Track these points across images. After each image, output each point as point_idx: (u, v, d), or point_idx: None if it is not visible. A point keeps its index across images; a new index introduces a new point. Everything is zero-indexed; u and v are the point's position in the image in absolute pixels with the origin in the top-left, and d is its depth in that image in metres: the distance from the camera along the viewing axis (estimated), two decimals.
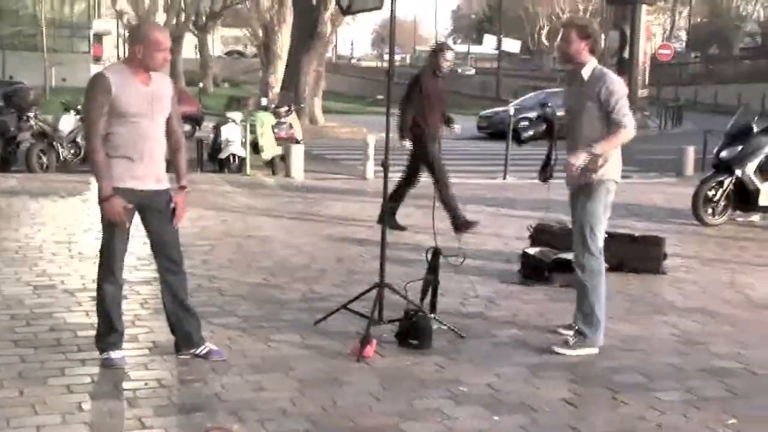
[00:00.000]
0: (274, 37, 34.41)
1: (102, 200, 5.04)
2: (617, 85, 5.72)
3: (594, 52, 5.81)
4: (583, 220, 5.84)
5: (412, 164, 10.25)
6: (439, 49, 10.33)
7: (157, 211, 5.19)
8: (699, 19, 77.10)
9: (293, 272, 7.89)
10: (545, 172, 6.16)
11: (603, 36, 5.41)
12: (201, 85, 46.47)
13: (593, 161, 5.71)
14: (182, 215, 5.29)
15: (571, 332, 5.92)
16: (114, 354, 5.21)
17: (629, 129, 5.73)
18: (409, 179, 10.26)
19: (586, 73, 5.79)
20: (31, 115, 15.15)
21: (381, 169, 6.18)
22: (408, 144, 10.03)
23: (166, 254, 5.30)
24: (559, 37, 5.90)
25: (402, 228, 9.92)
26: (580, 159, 5.67)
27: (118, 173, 5.05)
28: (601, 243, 5.84)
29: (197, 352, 5.39)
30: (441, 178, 9.92)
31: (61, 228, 9.56)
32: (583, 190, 5.85)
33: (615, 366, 5.57)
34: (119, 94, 4.96)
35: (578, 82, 5.85)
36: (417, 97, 9.90)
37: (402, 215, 10.35)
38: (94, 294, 6.74)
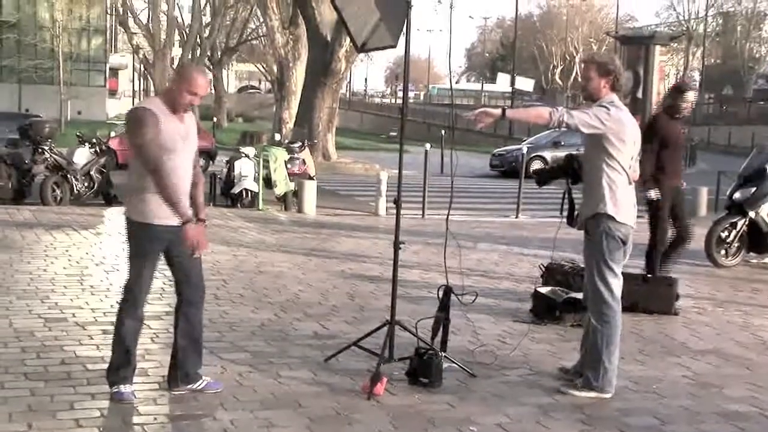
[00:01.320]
0: (288, 73, 34.57)
1: (186, 222, 5.07)
2: (603, 109, 5.52)
3: (615, 90, 5.68)
4: (589, 269, 5.78)
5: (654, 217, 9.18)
6: (679, 89, 9.08)
7: (182, 244, 5.18)
8: (713, 60, 77.35)
9: (304, 308, 7.88)
10: (573, 218, 6.08)
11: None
12: (215, 119, 46.79)
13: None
14: (204, 245, 5.25)
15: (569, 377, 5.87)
16: (124, 388, 5.19)
17: (558, 118, 5.42)
18: (664, 232, 9.25)
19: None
20: (46, 147, 15.23)
21: (393, 205, 6.18)
22: (654, 194, 8.93)
23: (194, 285, 5.34)
24: (580, 74, 5.84)
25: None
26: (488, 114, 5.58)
27: (154, 209, 5.07)
28: (615, 287, 5.70)
29: (195, 387, 5.36)
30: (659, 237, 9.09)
31: (74, 261, 9.57)
32: (587, 228, 5.78)
33: (627, 407, 5.53)
34: (164, 130, 5.02)
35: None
36: (654, 143, 8.71)
37: (410, 252, 10.32)
38: (105, 327, 6.77)
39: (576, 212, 6.04)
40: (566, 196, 6.15)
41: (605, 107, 5.57)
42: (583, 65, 5.86)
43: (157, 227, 5.07)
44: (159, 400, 5.24)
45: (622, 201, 5.69)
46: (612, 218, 5.65)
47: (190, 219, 5.06)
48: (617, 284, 5.73)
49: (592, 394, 5.69)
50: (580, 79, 5.83)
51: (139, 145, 5.01)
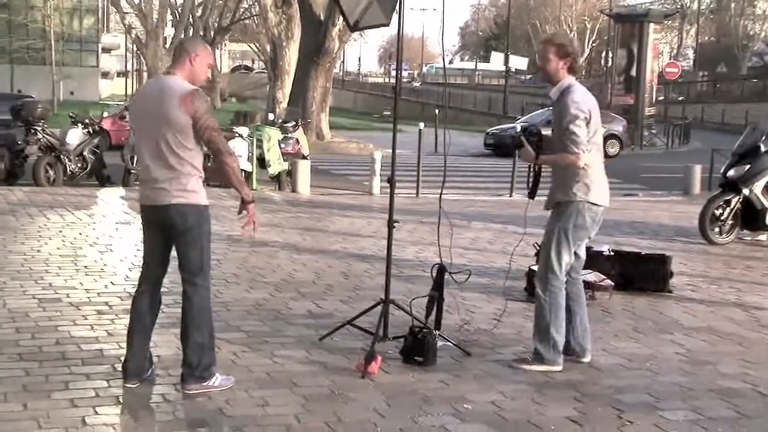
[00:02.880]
0: (281, 53, 34.45)
1: (251, 202, 5.12)
2: (571, 108, 5.54)
3: (573, 71, 5.68)
4: (547, 237, 5.79)
5: None
6: None
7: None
8: (707, 38, 77.23)
9: (299, 287, 7.89)
10: (534, 192, 6.10)
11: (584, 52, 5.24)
12: (208, 99, 46.58)
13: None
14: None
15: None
16: (219, 375, 5.20)
17: (573, 158, 5.55)
18: None
19: (554, 93, 5.71)
20: (38, 128, 15.16)
21: (387, 185, 6.17)
22: None
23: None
24: (539, 55, 5.79)
25: None
26: (527, 154, 5.76)
27: (204, 190, 5.11)
28: (565, 263, 5.74)
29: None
30: None
31: (68, 242, 9.56)
32: (555, 208, 5.80)
33: (621, 385, 5.55)
34: None
35: (552, 103, 5.81)
36: None
37: (405, 231, 10.33)
38: (100, 308, 6.79)
39: (538, 188, 6.04)
40: (531, 169, 6.10)
41: (575, 105, 5.55)
42: (541, 46, 5.81)
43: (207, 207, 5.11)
44: (155, 381, 5.23)
45: (596, 182, 5.70)
46: (586, 202, 5.67)
47: (254, 198, 5.16)
48: (567, 261, 5.76)
49: (543, 368, 5.71)
50: (538, 60, 5.79)
51: (214, 128, 4.96)
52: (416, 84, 74.31)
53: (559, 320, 5.74)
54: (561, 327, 5.76)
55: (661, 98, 45.17)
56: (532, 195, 6.10)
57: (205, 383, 5.08)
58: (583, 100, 5.61)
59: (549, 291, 5.74)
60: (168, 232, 5.07)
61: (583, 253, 5.98)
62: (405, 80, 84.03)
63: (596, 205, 5.71)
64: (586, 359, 5.98)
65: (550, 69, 5.68)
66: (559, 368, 5.74)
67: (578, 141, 5.53)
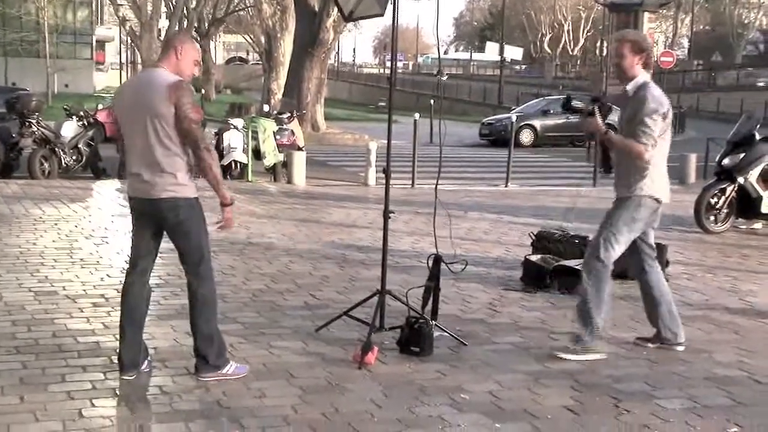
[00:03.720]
0: (276, 44, 34.42)
1: (230, 204, 5.10)
2: (650, 102, 5.62)
3: (648, 66, 5.77)
4: (603, 227, 5.85)
5: None
6: None
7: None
8: (701, 27, 77.22)
9: (295, 279, 7.89)
10: (608, 163, 6.13)
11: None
12: (203, 91, 46.53)
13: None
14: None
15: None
16: (234, 363, 5.24)
17: (641, 149, 5.63)
18: None
19: (631, 88, 5.77)
20: (33, 121, 15.13)
21: (383, 175, 6.17)
22: None
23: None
24: (614, 52, 5.85)
25: None
26: (596, 125, 5.75)
27: (191, 182, 5.08)
28: (614, 254, 5.80)
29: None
30: None
31: (63, 234, 9.55)
32: (618, 200, 5.87)
33: (618, 374, 5.56)
34: None
35: (625, 98, 5.84)
36: None
37: (400, 222, 10.33)
38: (96, 300, 6.78)
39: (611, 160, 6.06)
40: (593, 143, 6.13)
41: (655, 100, 5.62)
42: (617, 43, 5.88)
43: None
44: (152, 373, 5.24)
45: (659, 178, 5.81)
46: (648, 196, 5.77)
47: (232, 201, 5.15)
48: (619, 251, 5.82)
49: (587, 357, 5.74)
50: (613, 57, 5.83)
51: (193, 120, 4.91)
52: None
53: (602, 305, 5.79)
54: (602, 312, 5.80)
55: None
56: (608, 169, 6.15)
57: (221, 371, 5.12)
58: (661, 96, 5.71)
59: (593, 275, 5.79)
60: (159, 224, 5.07)
61: (652, 241, 6.06)
62: (400, 71, 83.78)
63: (657, 200, 5.81)
64: (681, 346, 6.06)
65: (626, 65, 5.76)
66: (602, 356, 5.78)
67: (650, 134, 5.63)
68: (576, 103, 6.10)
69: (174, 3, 51.45)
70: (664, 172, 5.91)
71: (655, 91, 5.70)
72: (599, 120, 5.85)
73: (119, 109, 5.13)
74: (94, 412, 4.62)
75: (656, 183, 5.80)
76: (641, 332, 6.50)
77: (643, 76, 5.77)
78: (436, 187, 6.31)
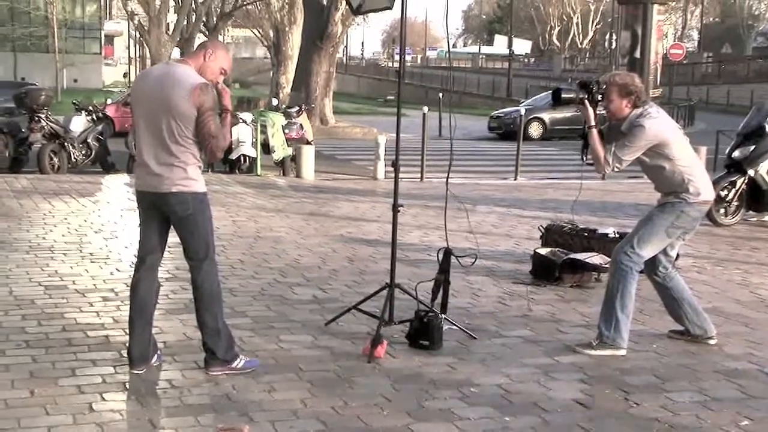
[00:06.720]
0: (284, 38, 34.40)
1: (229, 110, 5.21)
2: (639, 130, 5.59)
3: (637, 107, 5.72)
4: (640, 225, 5.85)
5: None
6: None
7: None
8: (711, 19, 76.96)
9: (304, 273, 7.89)
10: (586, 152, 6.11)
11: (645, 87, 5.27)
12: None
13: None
14: None
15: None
16: (245, 356, 5.26)
17: (603, 164, 5.70)
18: None
19: (625, 127, 5.72)
20: (42, 116, 15.16)
21: (392, 169, 6.16)
22: None
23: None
24: (603, 95, 5.81)
25: None
26: (587, 113, 5.76)
27: (201, 177, 5.08)
28: (645, 254, 5.79)
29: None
30: None
31: (72, 229, 9.57)
32: (661, 205, 5.85)
33: (627, 367, 5.55)
34: None
35: (620, 135, 5.80)
36: None
37: (409, 215, 10.32)
38: (105, 294, 6.80)
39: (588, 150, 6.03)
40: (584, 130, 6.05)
41: (640, 126, 5.61)
42: (605, 87, 5.84)
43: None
44: (161, 367, 5.25)
45: (700, 179, 5.78)
46: (695, 203, 5.75)
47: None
48: (650, 253, 5.82)
49: (607, 352, 5.73)
50: (602, 99, 5.80)
51: (211, 133, 4.92)
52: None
53: (626, 301, 5.77)
54: (626, 308, 5.78)
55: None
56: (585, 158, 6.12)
57: (230, 365, 5.13)
58: (659, 129, 5.66)
59: (620, 270, 5.77)
60: (167, 218, 5.07)
61: (674, 253, 6.10)
62: (408, 64, 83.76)
63: (703, 203, 5.79)
64: (713, 340, 6.07)
65: (613, 108, 5.76)
66: (623, 352, 5.76)
67: (621, 158, 5.66)
68: (565, 95, 6.05)
69: None
70: (702, 169, 5.90)
71: (648, 123, 5.61)
72: (590, 110, 5.80)
73: (138, 94, 5.06)
74: (104, 405, 4.63)
75: (699, 183, 5.74)
76: (649, 325, 6.50)
77: (635, 112, 5.70)
78: (447, 181, 6.30)
